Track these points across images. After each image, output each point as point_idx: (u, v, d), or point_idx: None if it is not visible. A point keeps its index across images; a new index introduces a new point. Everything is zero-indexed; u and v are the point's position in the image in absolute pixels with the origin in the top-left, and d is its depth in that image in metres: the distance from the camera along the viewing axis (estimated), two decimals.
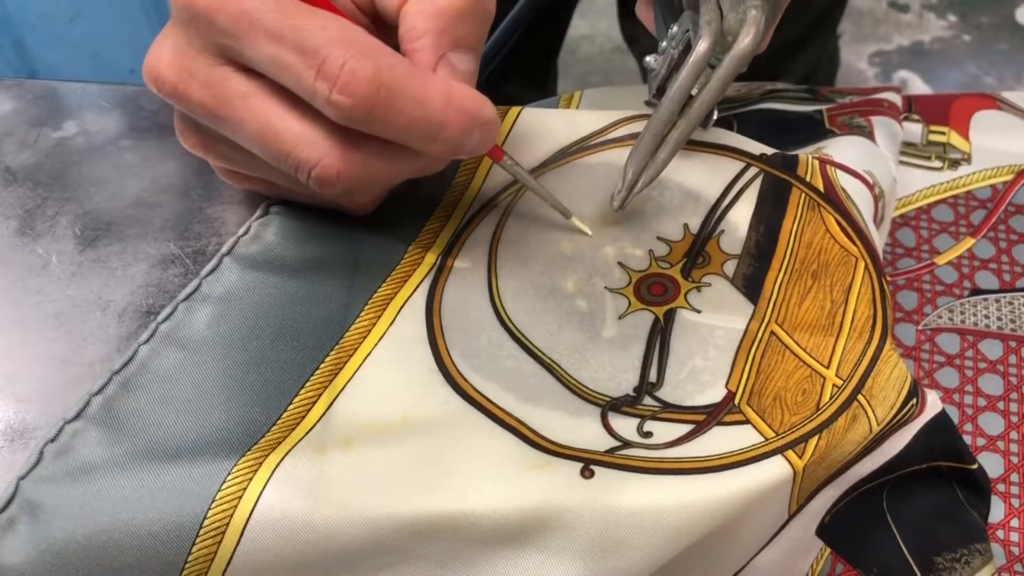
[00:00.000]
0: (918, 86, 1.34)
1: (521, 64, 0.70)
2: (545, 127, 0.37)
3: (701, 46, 0.32)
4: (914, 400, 0.29)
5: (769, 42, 0.34)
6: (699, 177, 0.35)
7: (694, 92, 0.33)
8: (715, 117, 0.37)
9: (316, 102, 0.27)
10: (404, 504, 0.26)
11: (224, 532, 0.25)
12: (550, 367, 0.30)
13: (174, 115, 0.31)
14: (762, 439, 0.28)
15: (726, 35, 0.33)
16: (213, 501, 0.25)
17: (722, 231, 0.34)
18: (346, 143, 0.28)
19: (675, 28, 0.35)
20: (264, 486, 0.26)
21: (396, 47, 0.29)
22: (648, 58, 0.36)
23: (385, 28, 0.31)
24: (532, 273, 0.33)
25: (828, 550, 0.30)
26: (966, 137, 0.42)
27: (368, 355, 0.30)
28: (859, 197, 0.35)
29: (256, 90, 0.28)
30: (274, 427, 0.28)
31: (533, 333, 0.31)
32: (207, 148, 0.31)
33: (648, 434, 0.29)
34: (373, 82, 0.26)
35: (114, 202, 0.37)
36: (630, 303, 0.32)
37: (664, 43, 0.35)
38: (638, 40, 0.87)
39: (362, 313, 0.31)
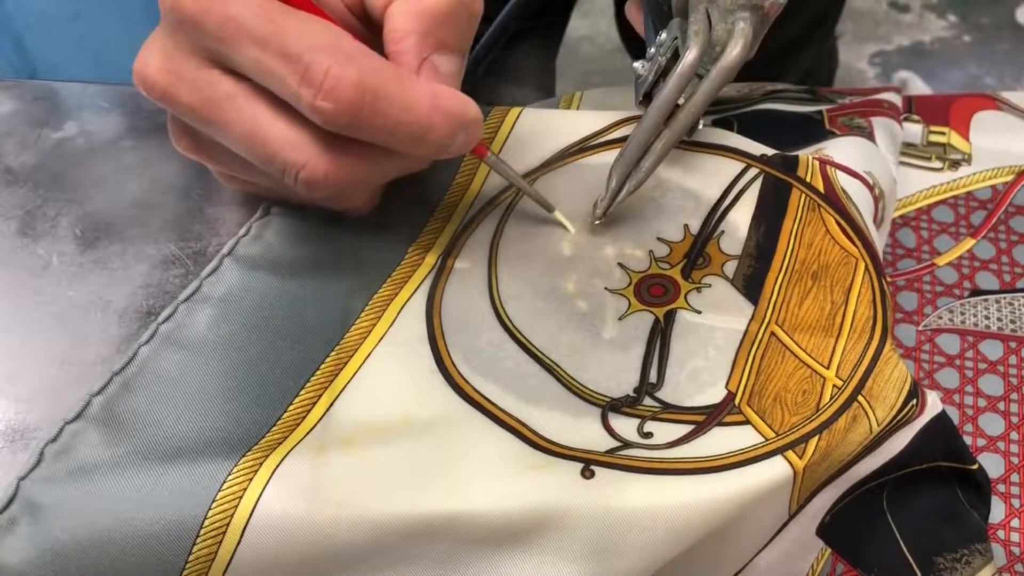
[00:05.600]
0: (918, 86, 1.34)
1: (518, 65, 0.70)
2: (546, 128, 0.37)
3: (689, 56, 0.32)
4: (914, 400, 0.29)
5: (767, 43, 0.34)
6: (699, 178, 0.35)
7: (680, 101, 0.33)
8: (701, 125, 0.37)
9: (301, 107, 0.27)
10: (404, 504, 0.26)
11: (224, 532, 0.25)
12: (550, 368, 0.30)
13: (167, 119, 0.31)
14: (762, 439, 0.28)
15: (714, 45, 0.33)
16: (213, 501, 0.25)
17: (722, 232, 0.34)
18: (332, 146, 0.28)
19: (664, 35, 0.35)
20: (264, 486, 0.26)
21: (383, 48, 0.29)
22: (636, 64, 0.36)
23: (374, 29, 0.31)
24: (532, 274, 0.33)
25: (828, 550, 0.30)
26: (966, 138, 0.42)
27: (369, 355, 0.30)
28: (859, 198, 0.35)
29: (243, 92, 0.28)
30: (274, 427, 0.28)
31: (533, 334, 0.31)
32: (199, 151, 0.31)
33: (648, 434, 0.29)
34: (357, 87, 0.26)
35: (115, 203, 0.37)
36: (630, 304, 0.32)
37: (652, 50, 0.35)
38: (638, 48, 0.87)
39: (363, 313, 0.31)
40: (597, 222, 0.34)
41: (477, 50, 0.46)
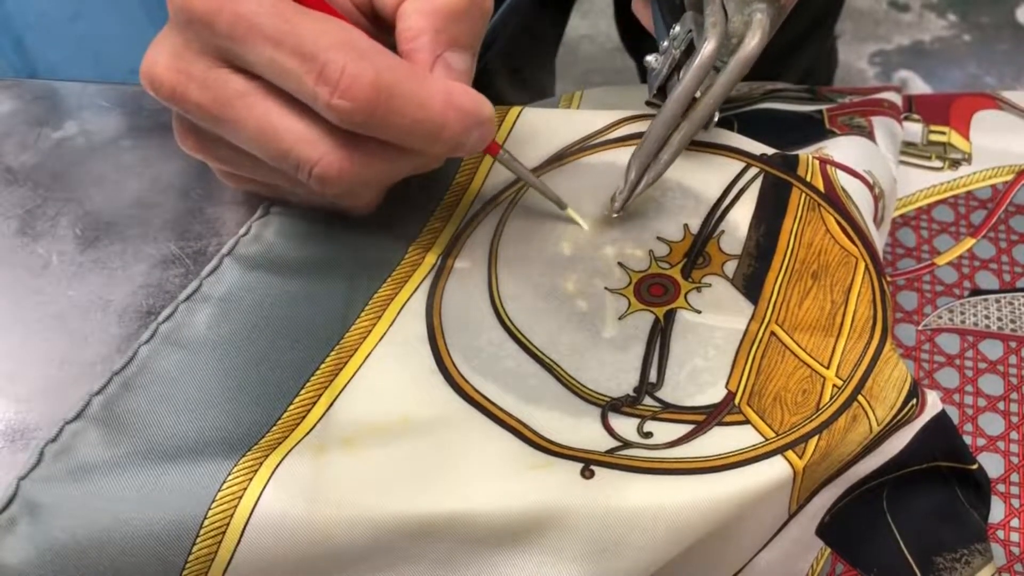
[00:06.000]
0: (918, 86, 1.34)
1: (517, 64, 0.70)
2: (546, 127, 0.37)
3: (707, 48, 0.32)
4: (914, 400, 0.29)
5: (768, 42, 0.34)
6: (699, 177, 0.35)
7: (698, 94, 0.33)
8: (716, 119, 0.37)
9: (317, 106, 0.27)
10: (404, 504, 0.26)
11: (224, 532, 0.25)
12: (550, 367, 0.30)
13: (173, 118, 0.31)
14: (762, 439, 0.28)
15: (731, 37, 0.33)
16: (213, 501, 0.25)
17: (722, 231, 0.34)
18: (346, 142, 0.28)
19: (677, 28, 0.35)
20: (264, 486, 0.26)
21: (394, 47, 0.29)
22: (649, 57, 0.36)
23: (384, 28, 0.31)
24: (533, 273, 0.33)
25: (828, 550, 0.30)
26: (966, 137, 0.42)
27: (369, 355, 0.30)
28: (859, 197, 0.35)
29: (255, 90, 0.28)
30: (274, 427, 0.28)
31: (533, 333, 0.31)
32: (206, 151, 0.31)
33: (648, 434, 0.29)
34: (373, 86, 0.26)
35: (114, 202, 0.37)
36: (630, 303, 0.32)
37: (666, 43, 0.35)
38: (638, 46, 0.87)
39: (363, 313, 0.31)
40: (615, 215, 0.34)
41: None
